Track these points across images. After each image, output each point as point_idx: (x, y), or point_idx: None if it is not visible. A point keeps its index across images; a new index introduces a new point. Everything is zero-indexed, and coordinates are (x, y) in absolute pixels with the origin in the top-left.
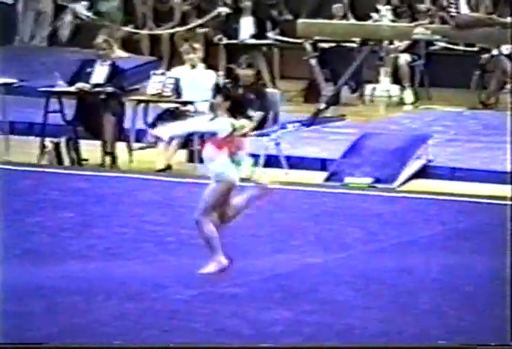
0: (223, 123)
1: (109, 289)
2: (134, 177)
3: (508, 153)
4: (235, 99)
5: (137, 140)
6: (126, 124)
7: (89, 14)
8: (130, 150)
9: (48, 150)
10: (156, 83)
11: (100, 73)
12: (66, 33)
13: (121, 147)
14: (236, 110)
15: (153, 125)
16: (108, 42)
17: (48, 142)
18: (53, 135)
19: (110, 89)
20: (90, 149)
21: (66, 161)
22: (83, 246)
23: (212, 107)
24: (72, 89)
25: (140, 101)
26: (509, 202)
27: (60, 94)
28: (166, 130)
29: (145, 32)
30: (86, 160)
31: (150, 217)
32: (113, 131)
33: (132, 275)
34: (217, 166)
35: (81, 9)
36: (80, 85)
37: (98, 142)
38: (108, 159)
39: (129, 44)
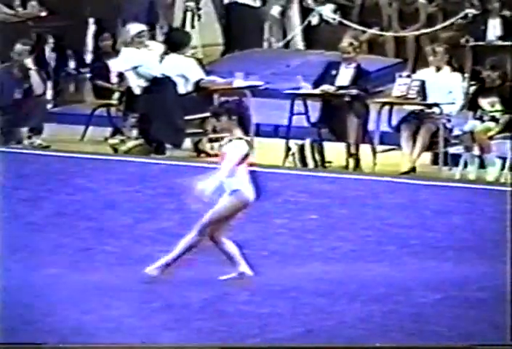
0: (237, 145)
1: (353, 291)
2: (377, 180)
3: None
4: (241, 115)
5: (382, 143)
6: (371, 126)
7: (336, 16)
8: (374, 152)
9: (292, 152)
10: (401, 85)
11: (344, 75)
12: (309, 36)
13: (364, 150)
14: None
15: (398, 128)
16: (354, 45)
17: (293, 144)
18: (298, 137)
19: (354, 92)
20: (334, 151)
21: (310, 163)
22: (327, 248)
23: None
24: (317, 91)
25: (384, 103)
26: None
27: (304, 97)
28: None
29: (390, 34)
30: (330, 162)
31: (394, 220)
32: (357, 134)
33: (376, 277)
34: (234, 183)
35: (327, 11)
36: (325, 87)
37: (342, 144)
38: (351, 161)
39: (375, 46)
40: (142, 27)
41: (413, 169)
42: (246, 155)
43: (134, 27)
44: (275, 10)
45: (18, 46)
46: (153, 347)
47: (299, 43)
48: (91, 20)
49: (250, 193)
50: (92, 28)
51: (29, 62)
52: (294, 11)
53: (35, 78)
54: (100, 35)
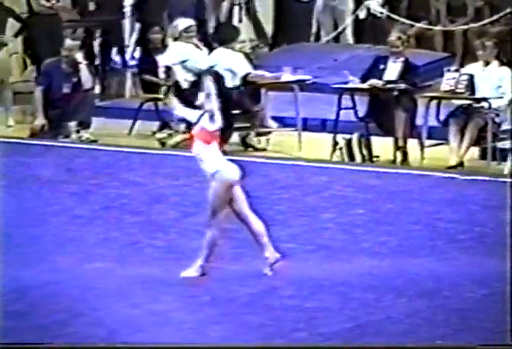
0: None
1: (400, 286)
2: (425, 174)
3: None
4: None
5: (429, 137)
6: (418, 121)
7: (383, 10)
8: (422, 146)
9: (340, 146)
10: (449, 79)
11: (392, 69)
12: (357, 30)
13: (412, 144)
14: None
15: (446, 122)
16: (402, 39)
17: (340, 138)
18: (345, 132)
19: (402, 86)
20: (382, 145)
21: (358, 158)
22: (374, 242)
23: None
24: (365, 85)
25: (432, 98)
26: None
27: (352, 91)
28: None
29: (438, 28)
30: (377, 156)
31: (441, 215)
32: (404, 128)
33: (423, 272)
34: (208, 166)
35: (375, 5)
36: (373, 81)
37: (390, 139)
38: (399, 156)
39: (423, 41)
40: (191, 22)
41: (461, 164)
42: (215, 134)
43: (183, 23)
44: (323, 5)
45: (68, 42)
46: (153, 347)
47: (349, 37)
48: (136, 15)
49: (231, 171)
50: (137, 23)
51: (79, 56)
52: (345, 6)
53: (84, 72)
54: (147, 29)
